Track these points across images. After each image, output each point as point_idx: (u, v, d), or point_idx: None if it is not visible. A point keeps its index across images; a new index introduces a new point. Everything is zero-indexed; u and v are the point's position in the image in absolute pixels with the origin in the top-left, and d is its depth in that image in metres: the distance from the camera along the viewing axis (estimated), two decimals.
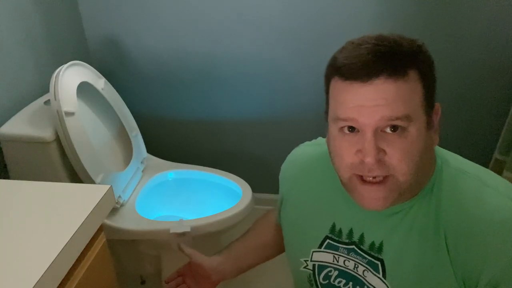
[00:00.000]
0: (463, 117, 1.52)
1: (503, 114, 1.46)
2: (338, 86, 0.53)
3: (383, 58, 0.50)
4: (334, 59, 0.55)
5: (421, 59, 0.52)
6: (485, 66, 1.41)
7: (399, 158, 0.51)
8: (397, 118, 0.50)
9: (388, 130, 0.51)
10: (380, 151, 0.51)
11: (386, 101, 0.50)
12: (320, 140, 0.77)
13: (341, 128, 0.54)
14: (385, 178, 0.53)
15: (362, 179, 0.54)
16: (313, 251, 0.69)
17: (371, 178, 0.53)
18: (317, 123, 1.57)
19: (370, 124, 0.51)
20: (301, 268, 0.71)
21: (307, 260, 0.70)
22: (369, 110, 0.50)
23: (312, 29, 1.42)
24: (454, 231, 0.55)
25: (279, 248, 0.85)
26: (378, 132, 0.51)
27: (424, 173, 0.57)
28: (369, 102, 0.50)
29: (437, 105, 0.57)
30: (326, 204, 0.68)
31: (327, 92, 0.58)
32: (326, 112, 0.59)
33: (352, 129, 0.53)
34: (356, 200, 0.56)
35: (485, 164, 1.51)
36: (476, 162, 0.60)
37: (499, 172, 1.42)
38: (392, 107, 0.50)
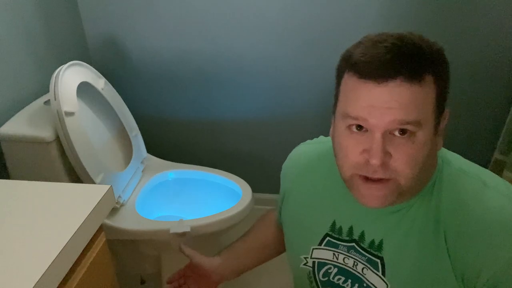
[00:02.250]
0: (463, 117, 1.52)
1: (503, 114, 1.47)
2: (352, 82, 0.52)
3: (401, 59, 0.49)
4: (349, 53, 0.54)
5: (438, 64, 0.52)
6: (485, 66, 1.41)
7: (403, 163, 0.51)
8: (408, 123, 0.49)
9: (396, 133, 0.51)
10: (386, 153, 0.51)
11: (399, 104, 0.49)
12: (322, 138, 0.77)
13: (349, 126, 0.53)
14: (387, 179, 0.53)
15: (364, 177, 0.54)
16: (313, 248, 0.69)
17: (373, 178, 0.53)
18: (317, 123, 1.57)
19: (380, 125, 0.50)
20: (301, 265, 0.72)
21: (307, 257, 0.70)
22: (381, 112, 0.49)
23: (312, 29, 1.42)
24: (453, 231, 0.55)
25: (279, 248, 0.85)
26: (387, 134, 0.51)
27: (426, 175, 0.57)
28: (382, 104, 0.49)
29: (447, 111, 0.56)
30: (326, 202, 0.68)
31: (338, 85, 0.57)
32: (334, 106, 0.58)
33: (360, 127, 0.53)
34: (356, 196, 0.56)
35: (485, 164, 1.52)
36: (476, 162, 0.61)
37: (499, 172, 1.42)
38: (404, 111, 0.49)
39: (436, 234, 0.56)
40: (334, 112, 0.59)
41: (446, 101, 0.54)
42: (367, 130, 0.52)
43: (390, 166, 0.51)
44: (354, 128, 0.53)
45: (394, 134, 0.51)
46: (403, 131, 0.50)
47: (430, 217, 0.57)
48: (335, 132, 0.58)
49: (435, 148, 0.56)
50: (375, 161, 0.50)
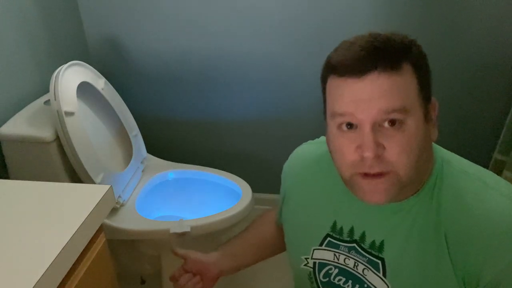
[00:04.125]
0: (463, 117, 1.52)
1: (503, 114, 1.46)
2: (334, 83, 0.54)
3: (376, 52, 0.51)
4: (329, 58, 0.57)
5: (414, 52, 0.53)
6: (485, 65, 1.41)
7: (398, 153, 0.51)
8: (394, 110, 0.50)
9: (386, 124, 0.52)
10: (379, 146, 0.51)
11: (382, 94, 0.50)
12: (323, 138, 0.77)
13: (340, 125, 0.55)
14: (386, 172, 0.53)
15: (363, 174, 0.54)
16: (313, 249, 0.69)
17: (371, 174, 0.53)
18: (317, 123, 1.56)
19: (368, 118, 0.51)
20: (302, 266, 0.71)
21: (308, 258, 0.70)
22: (366, 104, 0.51)
23: (312, 29, 1.42)
24: (454, 231, 0.55)
25: (277, 247, 0.86)
26: (376, 127, 0.52)
27: (424, 168, 0.57)
28: (365, 96, 0.51)
29: (434, 100, 0.57)
30: (327, 202, 0.68)
31: (324, 92, 0.59)
32: (324, 112, 0.60)
33: (350, 126, 0.54)
34: (358, 195, 0.56)
35: (485, 164, 1.52)
36: (476, 162, 0.60)
37: (499, 172, 1.42)
38: (388, 100, 0.50)
39: (437, 235, 0.56)
40: (325, 118, 0.60)
41: (430, 90, 0.56)
42: (357, 127, 0.53)
43: (386, 158, 0.52)
44: (344, 127, 0.54)
45: (384, 126, 0.52)
46: (392, 122, 0.51)
47: (431, 218, 0.57)
48: (329, 135, 0.59)
49: (429, 138, 0.56)
50: (368, 154, 0.51)
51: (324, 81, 0.58)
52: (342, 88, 0.53)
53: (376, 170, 0.52)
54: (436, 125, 0.58)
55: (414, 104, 0.52)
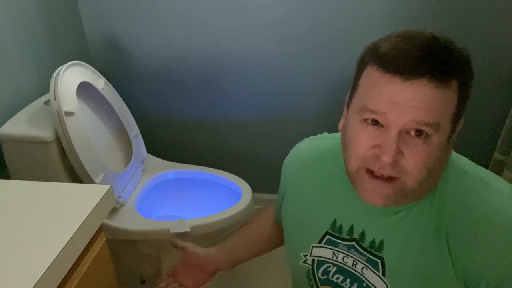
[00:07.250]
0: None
1: (503, 114, 1.46)
2: (375, 75, 0.51)
3: (431, 59, 0.47)
4: (376, 45, 0.52)
5: (465, 70, 0.51)
6: (485, 65, 1.41)
7: (414, 164, 0.50)
8: (427, 124, 0.48)
9: (412, 133, 0.50)
10: (399, 152, 0.50)
11: (421, 104, 0.48)
12: (325, 135, 0.76)
13: (365, 119, 0.52)
14: (393, 178, 0.52)
15: (370, 172, 0.53)
16: (312, 246, 0.69)
17: (379, 174, 0.52)
18: (317, 123, 1.57)
19: (399, 123, 0.49)
20: (300, 263, 0.71)
21: (307, 255, 0.70)
22: (402, 109, 0.48)
23: (312, 29, 1.42)
24: (456, 232, 0.55)
25: (275, 242, 0.86)
26: (403, 132, 0.50)
27: (432, 180, 0.56)
28: (404, 101, 0.48)
29: (461, 120, 0.55)
30: (328, 200, 0.67)
31: (357, 77, 0.55)
32: (350, 97, 0.57)
33: (375, 122, 0.52)
34: (359, 192, 0.56)
35: (485, 164, 1.52)
36: (476, 162, 0.60)
37: (499, 172, 1.42)
38: (426, 112, 0.48)
39: (438, 235, 0.56)
40: (348, 105, 0.57)
41: (464, 110, 0.54)
42: (382, 126, 0.51)
43: (400, 165, 0.50)
44: (369, 121, 0.52)
45: (409, 134, 0.50)
46: (419, 132, 0.50)
47: (432, 218, 0.57)
48: (347, 123, 0.56)
49: (446, 155, 0.55)
50: (387, 158, 0.49)
51: (362, 66, 0.54)
52: (382, 86, 0.49)
53: (385, 172, 0.51)
54: (453, 143, 0.56)
55: (447, 122, 0.50)
